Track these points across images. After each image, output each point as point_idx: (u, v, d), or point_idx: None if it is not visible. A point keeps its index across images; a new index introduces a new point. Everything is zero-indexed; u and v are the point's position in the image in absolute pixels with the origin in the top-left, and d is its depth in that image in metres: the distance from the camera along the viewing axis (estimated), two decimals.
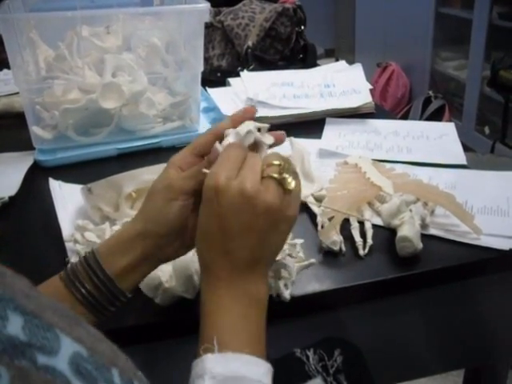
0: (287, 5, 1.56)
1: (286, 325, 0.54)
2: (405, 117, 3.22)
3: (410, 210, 0.77)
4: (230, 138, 0.55)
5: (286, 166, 0.51)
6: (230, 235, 0.50)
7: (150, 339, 0.68)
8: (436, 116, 3.08)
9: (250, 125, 0.55)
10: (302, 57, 1.63)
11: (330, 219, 0.78)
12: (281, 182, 0.51)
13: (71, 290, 0.54)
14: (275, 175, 0.50)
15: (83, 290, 0.54)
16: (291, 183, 0.51)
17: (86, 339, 0.30)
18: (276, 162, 0.51)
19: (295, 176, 0.52)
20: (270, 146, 0.56)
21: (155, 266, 0.59)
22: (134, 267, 0.56)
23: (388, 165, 0.96)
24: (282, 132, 0.59)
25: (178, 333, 0.69)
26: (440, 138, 1.13)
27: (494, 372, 0.99)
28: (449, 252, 0.76)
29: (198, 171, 0.55)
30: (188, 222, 0.57)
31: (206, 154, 0.57)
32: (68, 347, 0.28)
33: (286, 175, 0.51)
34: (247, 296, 0.51)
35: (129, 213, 0.78)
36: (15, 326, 0.26)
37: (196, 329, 0.68)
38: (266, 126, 0.57)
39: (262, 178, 0.51)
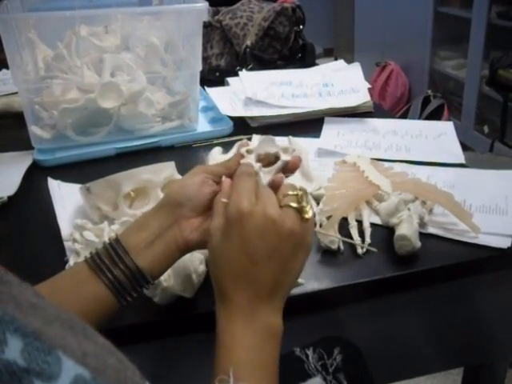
0: (286, 4, 1.56)
1: (286, 324, 0.53)
2: (404, 116, 3.22)
3: (409, 209, 0.77)
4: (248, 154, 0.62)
5: (304, 196, 0.54)
6: (255, 259, 0.51)
7: (148, 338, 0.68)
8: (435, 115, 3.08)
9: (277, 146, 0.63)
10: (300, 56, 1.63)
11: (329, 218, 0.78)
12: (299, 211, 0.53)
13: (96, 271, 0.55)
14: (294, 204, 0.53)
15: (103, 267, 0.55)
16: (309, 212, 0.53)
17: (93, 354, 0.30)
18: (293, 193, 0.54)
19: (311, 205, 0.55)
20: (285, 169, 0.62)
21: (170, 247, 0.57)
22: (150, 242, 0.56)
23: (386, 164, 0.96)
24: (300, 157, 0.64)
25: (176, 332, 0.69)
26: (438, 137, 1.14)
27: (492, 370, 0.99)
28: (447, 250, 0.76)
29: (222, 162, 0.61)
30: (206, 204, 0.58)
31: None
32: (69, 370, 0.27)
33: (304, 204, 0.53)
34: (265, 329, 0.50)
35: (127, 212, 0.78)
36: (14, 350, 0.26)
37: (194, 328, 0.69)
38: (292, 148, 0.63)
39: (281, 206, 0.53)
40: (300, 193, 0.54)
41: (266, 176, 0.60)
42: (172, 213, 0.57)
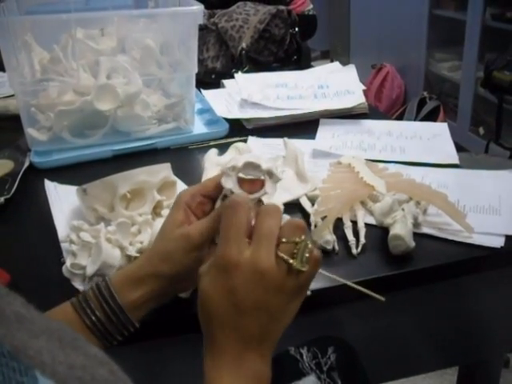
0: (281, 7, 1.57)
1: None
2: (400, 118, 3.24)
3: (403, 209, 0.78)
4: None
5: (303, 244, 0.49)
6: (241, 310, 0.49)
7: (144, 338, 0.68)
8: (431, 117, 3.09)
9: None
10: (296, 58, 1.63)
11: (323, 218, 0.79)
12: (291, 267, 0.49)
13: (81, 316, 0.56)
14: (287, 257, 0.49)
15: (93, 317, 0.56)
16: (304, 266, 0.49)
17: (80, 366, 0.29)
18: (293, 239, 0.50)
19: (311, 255, 0.50)
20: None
21: (164, 301, 0.61)
22: (144, 302, 0.58)
23: (381, 165, 0.97)
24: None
25: (171, 332, 0.69)
26: (433, 138, 1.14)
27: (487, 369, 1.00)
28: (441, 250, 0.77)
29: (215, 224, 0.55)
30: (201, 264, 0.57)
31: (214, 196, 0.59)
32: None
33: (301, 258, 0.49)
34: (250, 376, 0.49)
35: (123, 213, 0.78)
36: None
37: (190, 328, 0.69)
38: (278, 177, 0.58)
39: (276, 253, 0.49)
40: (299, 240, 0.49)
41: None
42: (166, 281, 0.58)
